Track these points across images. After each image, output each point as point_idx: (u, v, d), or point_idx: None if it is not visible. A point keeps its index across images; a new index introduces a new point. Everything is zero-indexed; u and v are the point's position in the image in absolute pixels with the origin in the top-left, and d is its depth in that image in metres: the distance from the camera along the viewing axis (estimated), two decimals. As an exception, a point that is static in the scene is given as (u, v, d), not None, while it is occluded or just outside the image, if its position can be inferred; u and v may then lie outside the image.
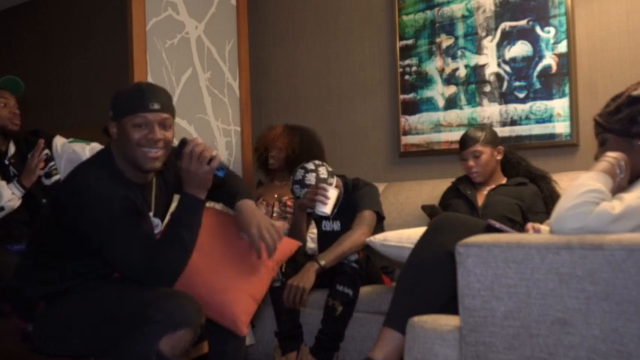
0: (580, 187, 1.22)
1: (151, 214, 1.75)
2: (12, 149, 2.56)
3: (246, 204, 1.74)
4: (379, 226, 2.43)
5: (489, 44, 2.92)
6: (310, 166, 2.39)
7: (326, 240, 2.50)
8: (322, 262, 2.19)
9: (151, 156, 1.59)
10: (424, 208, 2.38)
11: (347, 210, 2.46)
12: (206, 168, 1.57)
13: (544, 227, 1.72)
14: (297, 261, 2.38)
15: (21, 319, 1.72)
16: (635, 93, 1.45)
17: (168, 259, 1.56)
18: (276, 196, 3.05)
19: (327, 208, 2.23)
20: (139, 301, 1.49)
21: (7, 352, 1.75)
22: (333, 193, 2.25)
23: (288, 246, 1.90)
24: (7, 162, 2.51)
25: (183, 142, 1.60)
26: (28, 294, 1.66)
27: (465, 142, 2.45)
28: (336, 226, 2.51)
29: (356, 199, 2.43)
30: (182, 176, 1.61)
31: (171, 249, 1.57)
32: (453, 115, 3.03)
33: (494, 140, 2.45)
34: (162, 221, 1.81)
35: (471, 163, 2.43)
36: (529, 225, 1.80)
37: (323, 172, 2.39)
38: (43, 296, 1.65)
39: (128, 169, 1.65)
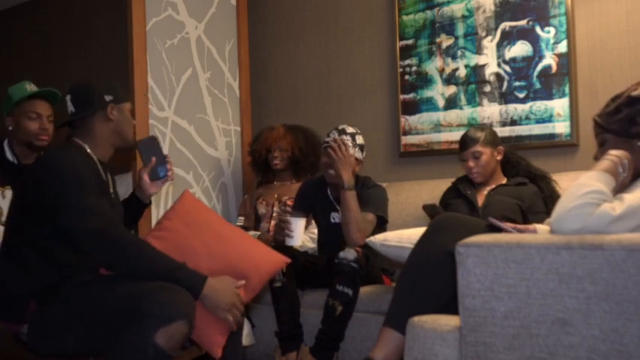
0: (581, 187, 1.21)
1: (112, 197, 1.82)
2: None
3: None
4: (382, 229, 2.42)
5: (489, 44, 2.92)
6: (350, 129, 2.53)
7: (330, 231, 2.52)
8: (347, 186, 2.32)
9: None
10: (425, 207, 2.38)
11: None
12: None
13: (543, 227, 1.71)
14: (297, 260, 2.39)
15: (9, 322, 1.69)
16: (634, 93, 1.44)
17: (129, 251, 1.60)
18: (276, 195, 3.05)
19: (294, 241, 2.24)
20: (131, 295, 1.50)
21: (5, 352, 1.73)
22: (297, 224, 2.25)
23: (274, 263, 1.89)
24: None
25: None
26: (16, 292, 1.66)
27: (465, 142, 2.44)
28: None
29: (362, 196, 2.44)
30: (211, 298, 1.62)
31: (144, 255, 1.60)
32: (453, 115, 3.03)
33: (494, 140, 2.45)
34: (118, 208, 1.85)
35: (471, 163, 2.43)
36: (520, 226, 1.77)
37: (360, 139, 2.54)
38: (33, 294, 1.65)
39: (102, 147, 1.82)
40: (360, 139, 2.52)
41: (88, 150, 1.79)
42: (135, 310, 1.45)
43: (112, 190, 1.84)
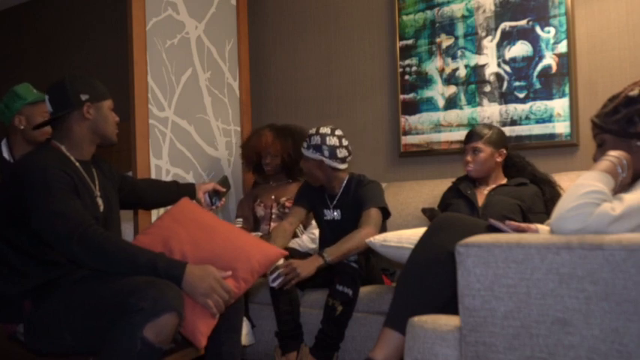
0: (581, 187, 1.21)
1: (98, 194, 1.82)
2: None
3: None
4: (383, 225, 2.42)
5: (489, 44, 2.93)
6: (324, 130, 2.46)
7: (327, 228, 2.53)
8: (328, 259, 2.20)
9: (117, 132, 1.92)
10: (424, 211, 2.38)
11: (349, 201, 2.48)
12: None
13: (545, 227, 1.71)
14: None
15: (6, 323, 1.70)
16: (631, 93, 1.44)
17: (103, 249, 1.59)
18: (273, 197, 3.04)
19: (272, 282, 2.18)
20: (121, 290, 1.50)
21: (3, 352, 1.74)
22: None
23: (268, 256, 1.86)
24: None
25: None
26: (9, 292, 1.67)
27: (470, 136, 2.45)
28: (337, 214, 2.52)
29: (360, 196, 2.43)
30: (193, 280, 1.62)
31: (119, 252, 1.60)
32: (453, 115, 3.03)
33: (497, 142, 2.43)
34: (105, 205, 1.84)
35: (469, 157, 2.44)
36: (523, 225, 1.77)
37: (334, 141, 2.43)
38: (26, 293, 1.66)
39: (81, 146, 1.82)
40: (314, 140, 2.43)
41: (65, 151, 1.79)
42: (124, 306, 1.46)
43: (97, 187, 1.83)
